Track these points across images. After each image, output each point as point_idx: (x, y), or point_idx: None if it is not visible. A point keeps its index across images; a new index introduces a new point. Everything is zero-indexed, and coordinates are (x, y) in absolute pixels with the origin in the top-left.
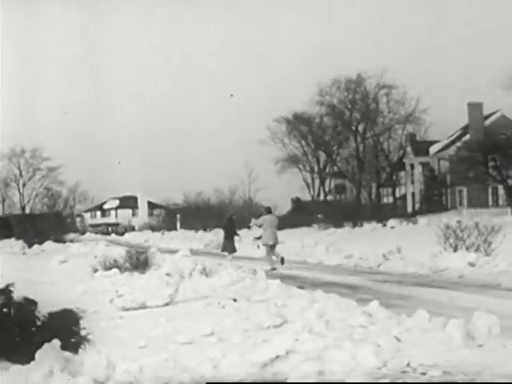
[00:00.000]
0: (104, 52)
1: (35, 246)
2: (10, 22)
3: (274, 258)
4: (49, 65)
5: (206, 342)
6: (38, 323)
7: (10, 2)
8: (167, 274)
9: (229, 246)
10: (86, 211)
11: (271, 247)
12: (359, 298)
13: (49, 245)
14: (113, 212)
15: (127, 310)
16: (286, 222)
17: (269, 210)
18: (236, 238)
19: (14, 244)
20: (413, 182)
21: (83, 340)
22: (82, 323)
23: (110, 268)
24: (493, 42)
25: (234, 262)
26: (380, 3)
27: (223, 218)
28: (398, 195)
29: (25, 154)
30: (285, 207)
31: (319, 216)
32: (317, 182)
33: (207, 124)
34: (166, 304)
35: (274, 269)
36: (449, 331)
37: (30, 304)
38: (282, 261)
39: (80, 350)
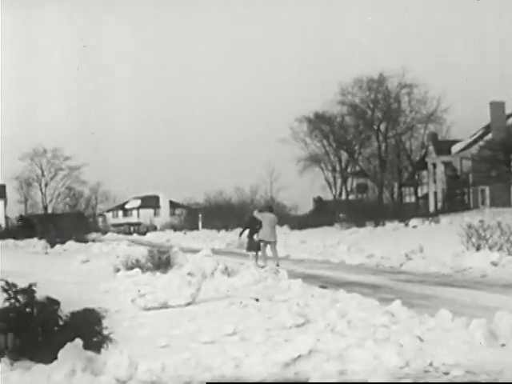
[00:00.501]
0: (110, 49)
1: (57, 246)
2: (10, 23)
3: (269, 255)
4: (53, 64)
5: (228, 342)
6: (61, 323)
7: (10, 3)
8: (189, 274)
9: (254, 245)
10: (107, 211)
11: (267, 244)
12: (381, 298)
13: (71, 244)
14: (135, 212)
15: (149, 309)
16: (307, 222)
17: (270, 209)
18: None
19: (36, 244)
20: (435, 182)
21: (105, 339)
22: (104, 323)
23: (131, 268)
24: None
25: (260, 262)
26: (401, 3)
27: (245, 217)
28: (420, 194)
29: (46, 154)
30: (307, 206)
31: (341, 215)
32: (339, 181)
33: (228, 123)
34: (188, 303)
35: (263, 266)
36: (471, 331)
37: (52, 303)
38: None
39: (102, 350)
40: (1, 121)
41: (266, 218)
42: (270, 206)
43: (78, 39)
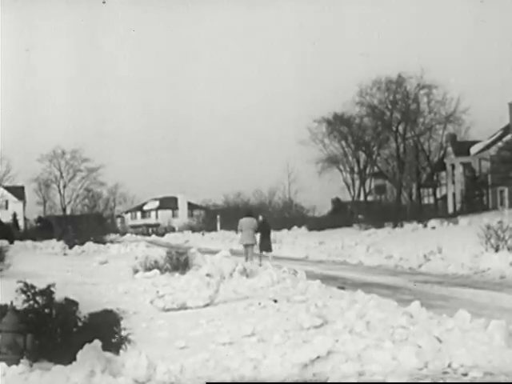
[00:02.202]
0: (119, 51)
1: (76, 247)
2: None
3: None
4: (64, 66)
5: (247, 343)
6: (79, 324)
7: (11, 3)
8: (207, 275)
9: (266, 245)
10: (126, 212)
11: (247, 246)
12: (400, 299)
13: (89, 246)
14: (153, 213)
15: (168, 310)
16: (326, 223)
17: (248, 214)
18: (271, 237)
19: (55, 245)
20: (454, 183)
21: (124, 340)
22: (123, 324)
23: (150, 269)
24: None
25: (273, 262)
26: (419, 3)
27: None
28: (438, 195)
29: (65, 156)
30: (325, 208)
31: (359, 216)
32: (357, 182)
33: (246, 124)
34: (207, 305)
35: (248, 260)
36: (490, 332)
37: (71, 304)
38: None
39: (121, 351)
40: (19, 123)
41: (244, 222)
42: (248, 211)
43: (85, 41)
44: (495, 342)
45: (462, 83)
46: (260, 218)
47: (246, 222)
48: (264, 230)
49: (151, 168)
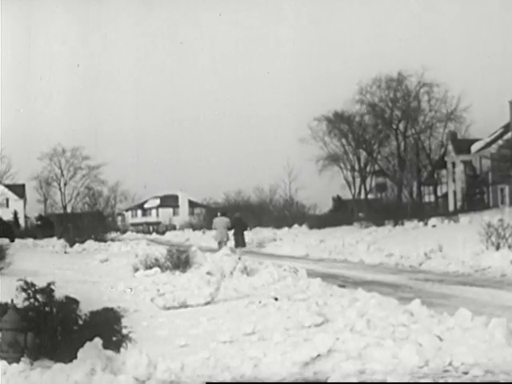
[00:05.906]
0: (120, 50)
1: (76, 245)
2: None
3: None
4: (64, 65)
5: (247, 341)
6: (80, 322)
7: (10, 3)
8: (208, 273)
9: (239, 241)
10: (126, 210)
11: (221, 243)
12: (401, 297)
13: (90, 244)
14: (154, 211)
15: (168, 308)
16: (327, 221)
17: (222, 213)
18: (245, 233)
19: (55, 243)
20: (454, 181)
21: (125, 339)
22: (124, 322)
23: (151, 267)
24: None
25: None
26: (421, 1)
27: (264, 216)
28: (439, 193)
29: (65, 154)
30: (326, 206)
31: (360, 214)
32: (357, 180)
33: (247, 122)
34: (207, 303)
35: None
36: (491, 330)
37: (71, 303)
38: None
39: (121, 349)
40: (20, 121)
41: (217, 221)
42: (223, 211)
43: (85, 40)
44: (496, 340)
45: (463, 81)
46: (237, 214)
47: (219, 221)
48: (238, 226)
49: (152, 166)
